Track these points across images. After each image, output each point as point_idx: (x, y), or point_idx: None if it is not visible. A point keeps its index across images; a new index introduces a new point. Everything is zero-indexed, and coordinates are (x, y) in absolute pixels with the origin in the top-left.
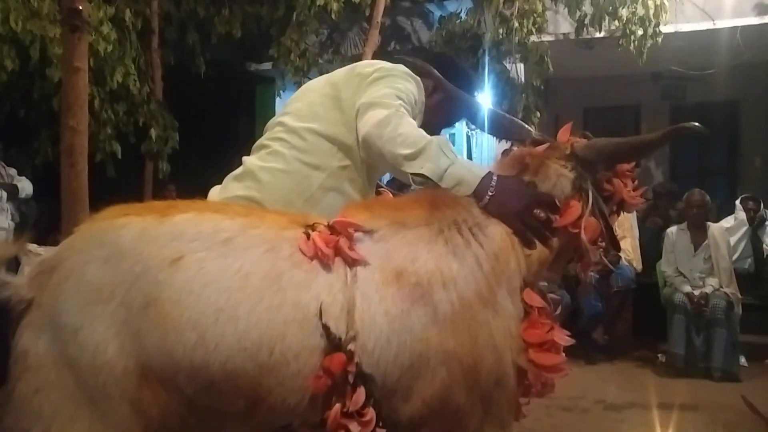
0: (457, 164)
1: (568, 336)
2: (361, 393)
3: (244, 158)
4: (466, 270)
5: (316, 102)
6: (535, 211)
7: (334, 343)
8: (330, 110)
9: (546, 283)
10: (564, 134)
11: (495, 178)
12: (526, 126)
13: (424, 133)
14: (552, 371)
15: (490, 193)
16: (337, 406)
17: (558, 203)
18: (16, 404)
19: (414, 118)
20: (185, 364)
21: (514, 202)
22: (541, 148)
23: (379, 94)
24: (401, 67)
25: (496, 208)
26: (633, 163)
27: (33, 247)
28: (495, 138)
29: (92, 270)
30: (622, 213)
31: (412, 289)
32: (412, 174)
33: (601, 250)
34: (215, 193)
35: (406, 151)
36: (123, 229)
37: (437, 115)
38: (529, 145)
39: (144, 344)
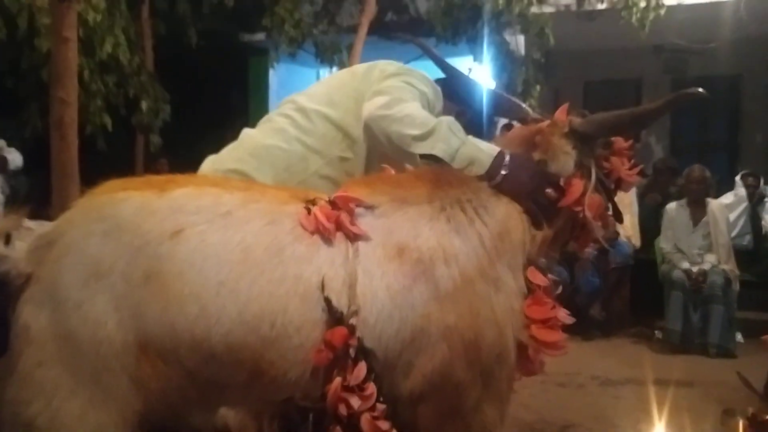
0: (469, 144)
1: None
2: (362, 367)
3: (245, 130)
4: (469, 247)
5: (334, 87)
6: (546, 190)
7: (335, 317)
8: (345, 98)
9: (544, 260)
10: (561, 113)
11: (507, 157)
12: (524, 105)
13: (429, 114)
14: (553, 348)
15: (503, 172)
16: (338, 379)
17: (561, 182)
18: (18, 378)
19: None
20: (186, 336)
21: (527, 181)
22: (542, 125)
23: (389, 84)
24: (422, 72)
25: (510, 187)
26: (630, 141)
27: (27, 221)
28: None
29: (92, 244)
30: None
31: (414, 265)
32: (421, 155)
33: (603, 225)
34: (209, 162)
35: (415, 132)
36: (122, 203)
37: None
38: (529, 123)
39: (144, 317)
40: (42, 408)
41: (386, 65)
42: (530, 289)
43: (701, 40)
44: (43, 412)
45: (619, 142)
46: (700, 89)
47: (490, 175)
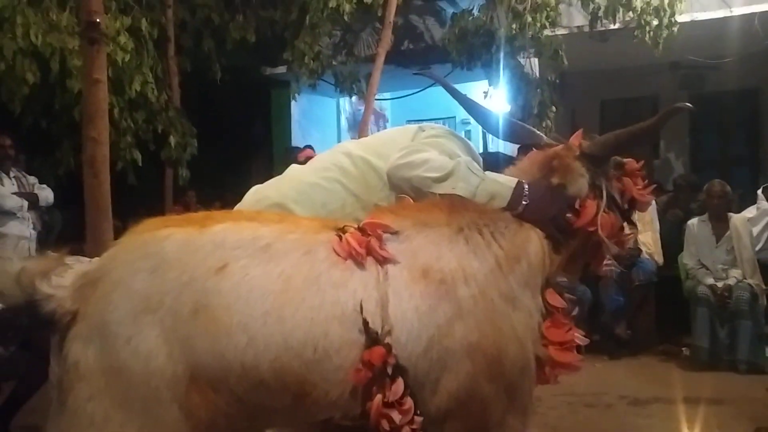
0: (488, 180)
1: (589, 331)
2: (400, 383)
3: (292, 165)
4: (486, 268)
5: (384, 140)
6: (567, 215)
7: (372, 337)
8: (391, 151)
9: (565, 280)
10: (577, 137)
11: (526, 187)
12: (537, 131)
13: (448, 158)
14: (568, 368)
15: (524, 203)
16: (379, 396)
17: (577, 205)
18: (69, 412)
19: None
20: (236, 365)
21: (548, 208)
22: (558, 149)
23: (419, 141)
24: (459, 135)
25: (531, 215)
26: (642, 162)
27: (69, 258)
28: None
29: (139, 280)
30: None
31: (438, 286)
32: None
33: (617, 244)
34: (252, 193)
35: (435, 175)
36: (166, 241)
37: None
38: (544, 147)
39: (194, 349)
40: None
41: (432, 128)
42: (549, 311)
43: (717, 56)
44: None
45: (631, 163)
46: (689, 104)
47: (511, 207)
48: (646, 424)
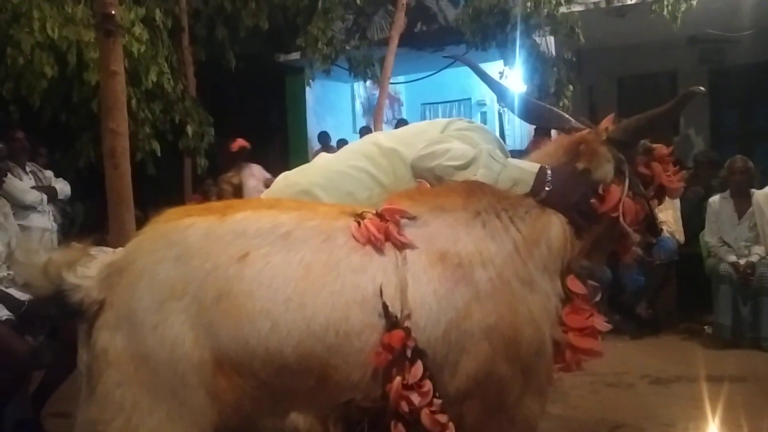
0: (510, 166)
1: (610, 311)
2: (419, 366)
3: (322, 153)
4: (504, 251)
5: (413, 132)
6: (591, 201)
7: (391, 321)
8: (420, 142)
9: (588, 264)
10: (608, 122)
11: (549, 172)
12: (565, 115)
13: (470, 147)
14: (589, 354)
15: (547, 188)
16: (398, 379)
17: (601, 190)
18: (98, 398)
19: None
20: (260, 350)
21: (571, 193)
22: (585, 133)
23: (446, 134)
24: (487, 128)
25: (555, 201)
26: (671, 147)
27: (94, 249)
28: (534, 125)
29: (164, 269)
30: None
31: (455, 270)
32: None
33: (639, 231)
34: (281, 178)
35: (457, 163)
36: (189, 230)
37: None
38: (569, 132)
39: (219, 335)
40: (122, 425)
41: (460, 122)
42: (569, 297)
43: (736, 28)
44: (123, 429)
45: (661, 148)
46: (701, 88)
47: (534, 192)
48: (669, 403)
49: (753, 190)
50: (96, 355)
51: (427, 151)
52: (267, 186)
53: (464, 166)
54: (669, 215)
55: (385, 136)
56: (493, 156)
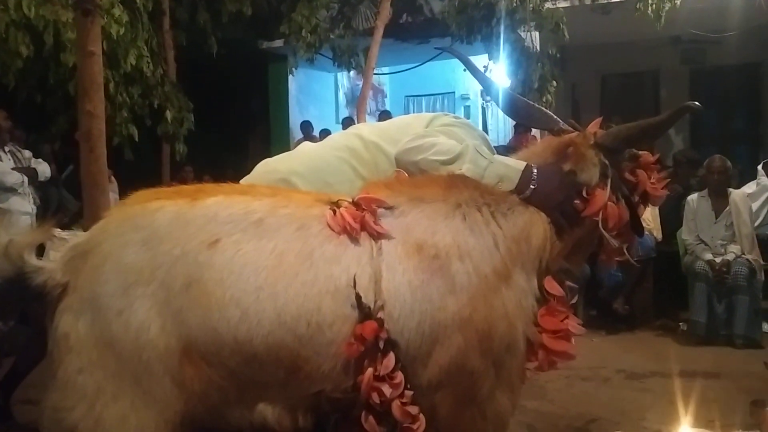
0: (496, 162)
1: (587, 306)
2: (391, 357)
3: (304, 143)
4: (482, 245)
5: (397, 126)
6: (575, 201)
7: (364, 312)
8: (404, 137)
9: (569, 267)
10: (594, 126)
11: (535, 171)
12: (553, 116)
13: (456, 143)
14: (561, 357)
15: (532, 186)
16: (370, 370)
17: (586, 193)
18: (59, 385)
19: None
20: (229, 339)
21: (555, 193)
22: (573, 136)
23: (428, 130)
24: (471, 123)
25: (539, 200)
26: (657, 156)
27: (58, 231)
28: (522, 125)
29: (130, 253)
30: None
31: (431, 261)
32: None
33: (624, 237)
34: (261, 166)
35: (443, 158)
36: (157, 213)
37: None
38: (557, 133)
39: (186, 322)
40: (85, 413)
41: (446, 117)
42: (545, 298)
43: (719, 29)
44: (86, 416)
45: (646, 156)
46: (697, 103)
47: (519, 190)
48: (643, 398)
49: (730, 189)
50: (56, 339)
51: (413, 144)
52: None
53: (450, 161)
54: (647, 213)
55: (369, 129)
56: (480, 152)
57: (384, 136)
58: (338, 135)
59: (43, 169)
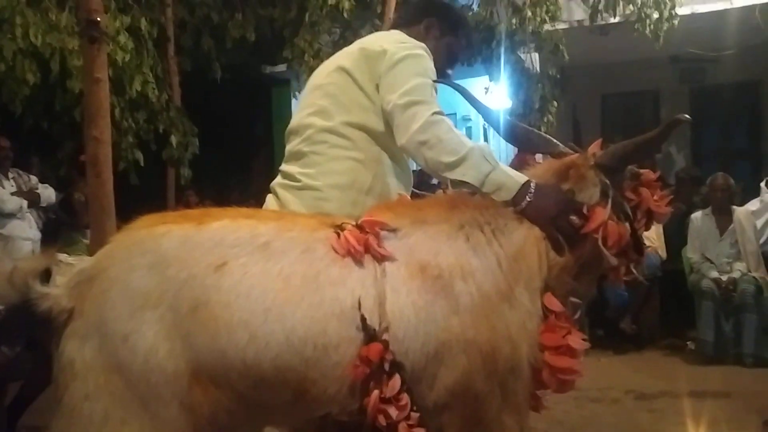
0: (498, 170)
1: (593, 326)
2: (396, 379)
3: (284, 167)
4: (485, 266)
5: (338, 93)
6: (570, 217)
7: (369, 334)
8: (354, 98)
9: (576, 287)
10: (594, 148)
11: (533, 184)
12: (553, 139)
13: (464, 138)
14: (566, 373)
15: (528, 199)
16: (376, 392)
17: (586, 210)
18: (65, 411)
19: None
20: (237, 362)
21: (551, 208)
22: (574, 158)
23: (409, 86)
24: (412, 42)
25: (533, 213)
26: (659, 173)
27: (63, 256)
28: (523, 151)
29: (137, 277)
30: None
31: (435, 282)
32: (452, 180)
33: (627, 256)
34: (272, 205)
35: (448, 159)
36: (163, 238)
37: (439, 56)
38: (557, 156)
39: (195, 345)
40: None
41: (371, 44)
42: (546, 314)
43: (718, 48)
44: None
45: (648, 173)
46: (687, 116)
47: (515, 201)
48: (652, 419)
49: (734, 207)
50: (62, 365)
51: (419, 138)
52: None
53: (455, 164)
54: (651, 231)
55: (318, 117)
56: (485, 155)
57: (339, 111)
58: (300, 145)
59: (48, 194)
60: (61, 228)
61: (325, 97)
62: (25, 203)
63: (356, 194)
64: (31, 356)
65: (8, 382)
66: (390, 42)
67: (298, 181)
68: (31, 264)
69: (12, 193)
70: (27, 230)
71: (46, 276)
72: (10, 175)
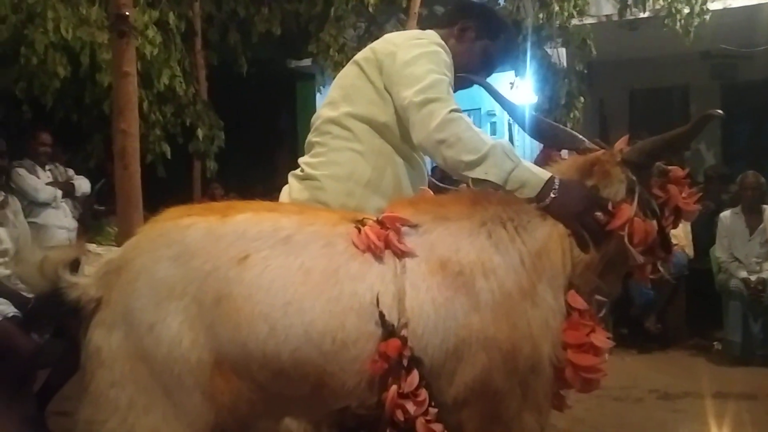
0: (521, 167)
1: (618, 325)
2: (415, 375)
3: (300, 159)
4: (508, 263)
5: (347, 85)
6: (596, 213)
7: (388, 330)
8: (361, 90)
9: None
10: (621, 144)
11: (557, 181)
12: (579, 135)
13: (483, 135)
14: (589, 372)
15: (552, 195)
16: (394, 387)
17: (611, 207)
18: (92, 398)
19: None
20: (258, 353)
21: (575, 204)
22: (599, 154)
23: (425, 83)
24: (427, 38)
25: (557, 210)
26: (687, 170)
27: (92, 247)
28: (548, 147)
29: (162, 268)
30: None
31: (455, 278)
32: (473, 178)
33: (654, 254)
34: (285, 193)
35: (469, 158)
36: (189, 230)
37: (473, 59)
38: (582, 152)
39: (217, 336)
40: (117, 426)
41: (383, 45)
42: (569, 312)
43: (749, 44)
44: (118, 430)
45: (676, 170)
46: (720, 111)
47: (539, 198)
48: (676, 419)
49: (765, 206)
50: (89, 353)
51: (437, 136)
52: None
53: (476, 163)
54: (679, 230)
55: (328, 109)
56: (507, 152)
57: (343, 102)
58: (312, 136)
59: (81, 184)
60: (98, 215)
61: (336, 89)
62: (59, 193)
63: (353, 185)
64: (60, 344)
65: (37, 369)
66: (404, 39)
67: (303, 170)
68: (60, 254)
69: (47, 184)
70: (62, 219)
71: (75, 266)
72: (47, 167)
